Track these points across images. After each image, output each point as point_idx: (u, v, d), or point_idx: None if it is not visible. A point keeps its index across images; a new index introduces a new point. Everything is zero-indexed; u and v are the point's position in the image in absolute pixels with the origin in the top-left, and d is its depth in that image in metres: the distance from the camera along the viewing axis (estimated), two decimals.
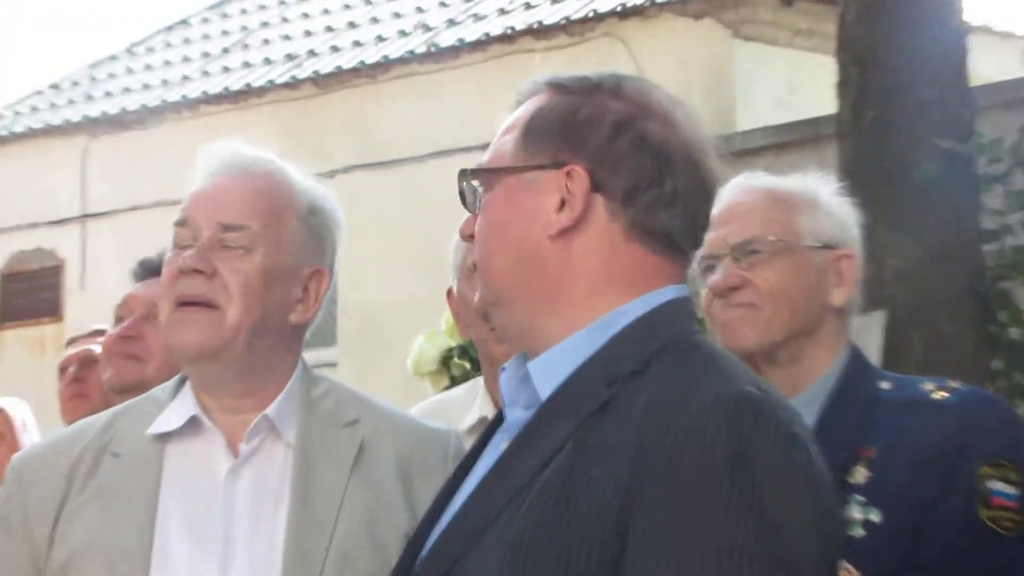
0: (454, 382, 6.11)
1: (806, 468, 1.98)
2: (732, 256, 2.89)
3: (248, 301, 2.73)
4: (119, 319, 3.93)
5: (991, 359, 6.51)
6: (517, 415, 2.17)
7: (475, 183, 2.24)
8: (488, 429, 2.27)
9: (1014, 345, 6.65)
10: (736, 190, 2.93)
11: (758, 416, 1.97)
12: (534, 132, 2.21)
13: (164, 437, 2.77)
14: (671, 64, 10.66)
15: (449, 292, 3.65)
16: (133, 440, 2.79)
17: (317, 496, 2.72)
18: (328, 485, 2.73)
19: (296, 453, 2.75)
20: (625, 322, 2.12)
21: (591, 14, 11.90)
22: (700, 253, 2.35)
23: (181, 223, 2.78)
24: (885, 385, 2.91)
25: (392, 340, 12.39)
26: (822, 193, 3.00)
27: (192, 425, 2.77)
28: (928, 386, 2.89)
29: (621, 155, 2.15)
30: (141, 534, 2.68)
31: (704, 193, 2.20)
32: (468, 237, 2.26)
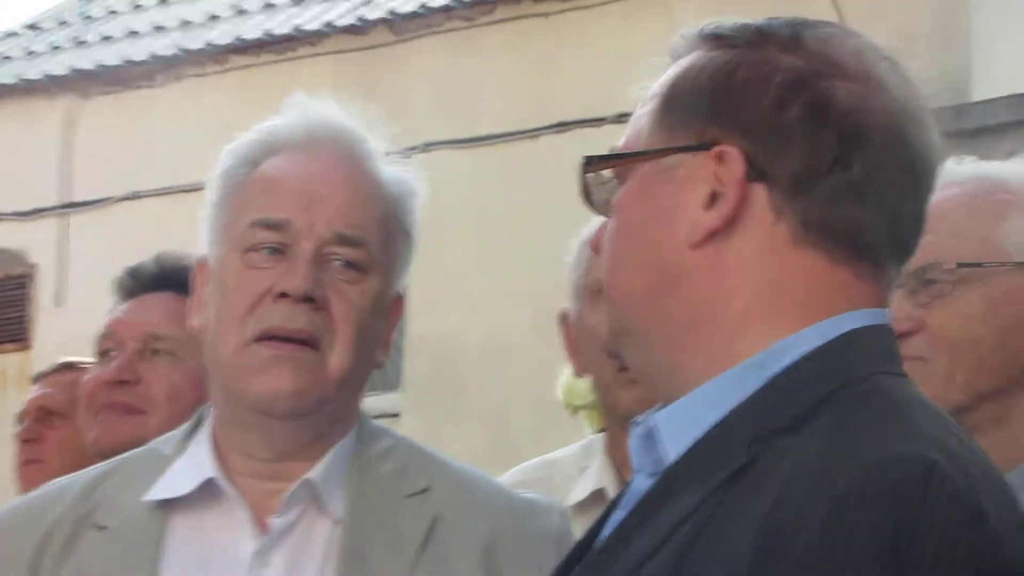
0: None
1: (987, 565, 1.96)
2: (907, 288, 2.87)
3: (356, 342, 2.79)
4: (104, 354, 3.87)
5: None
6: (639, 484, 2.19)
7: (605, 175, 2.26)
8: (610, 506, 2.28)
9: None
10: (947, 189, 2.81)
11: (930, 488, 1.96)
12: (676, 103, 2.20)
13: (168, 505, 2.79)
14: (889, 12, 10.67)
15: (564, 318, 3.72)
16: (125, 508, 2.80)
17: None
18: None
19: (345, 532, 2.79)
20: (789, 360, 2.11)
21: None
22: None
23: (269, 223, 2.79)
24: None
25: (472, 384, 12.49)
26: None
27: (207, 490, 2.79)
28: None
29: (791, 129, 2.13)
30: None
31: (915, 182, 2.18)
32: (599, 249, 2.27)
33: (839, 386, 2.10)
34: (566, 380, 6.51)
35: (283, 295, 2.73)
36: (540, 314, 10.96)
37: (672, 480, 2.11)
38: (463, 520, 2.83)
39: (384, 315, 2.85)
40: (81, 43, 15.82)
